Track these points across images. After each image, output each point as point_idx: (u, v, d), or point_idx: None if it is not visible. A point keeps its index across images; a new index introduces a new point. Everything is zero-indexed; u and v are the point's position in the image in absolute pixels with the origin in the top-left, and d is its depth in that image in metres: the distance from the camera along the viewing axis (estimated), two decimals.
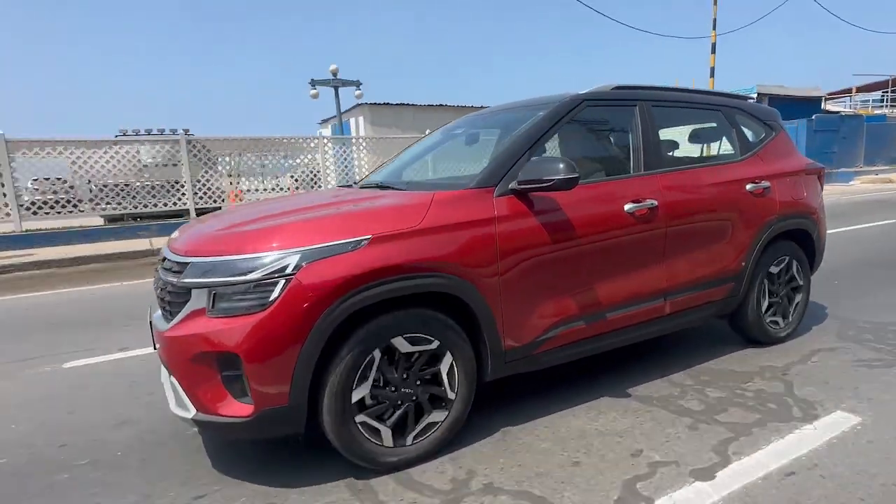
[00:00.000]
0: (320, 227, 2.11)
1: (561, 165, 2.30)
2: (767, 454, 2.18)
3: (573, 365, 3.00)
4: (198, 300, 2.03)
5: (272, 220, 2.27)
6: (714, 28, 17.98)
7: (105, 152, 9.84)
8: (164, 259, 2.31)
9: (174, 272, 2.14)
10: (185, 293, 2.07)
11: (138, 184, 10.37)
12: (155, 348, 2.37)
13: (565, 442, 2.36)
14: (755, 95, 18.15)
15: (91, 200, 9.96)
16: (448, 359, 2.26)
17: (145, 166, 10.43)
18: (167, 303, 2.17)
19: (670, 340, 3.59)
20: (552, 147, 3.18)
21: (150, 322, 2.37)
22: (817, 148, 17.83)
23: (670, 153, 3.36)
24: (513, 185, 2.41)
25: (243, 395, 2.00)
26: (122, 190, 10.14)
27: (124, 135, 11.63)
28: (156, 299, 2.49)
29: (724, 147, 3.44)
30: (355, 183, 3.48)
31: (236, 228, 2.23)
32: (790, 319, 3.53)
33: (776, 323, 3.47)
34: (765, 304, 3.38)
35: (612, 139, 3.05)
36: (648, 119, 2.96)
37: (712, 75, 18.27)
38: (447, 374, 2.27)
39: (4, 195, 9.05)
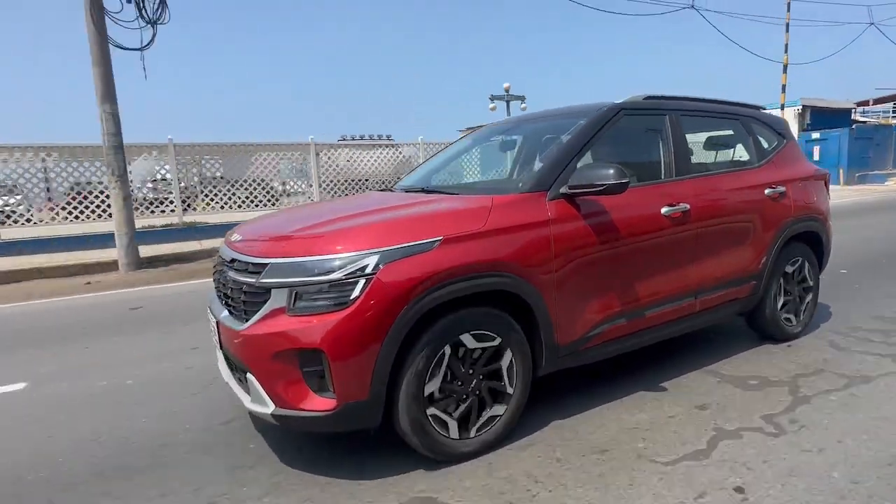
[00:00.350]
0: (395, 228, 2.21)
1: (611, 171, 2.44)
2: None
3: (605, 361, 3.14)
4: (277, 299, 2.10)
5: (343, 222, 2.36)
6: (786, 51, 20.49)
7: None
8: (233, 260, 2.38)
9: (250, 273, 2.22)
10: (263, 293, 2.14)
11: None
12: (221, 347, 2.44)
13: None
14: (800, 107, 20.37)
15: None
16: (508, 355, 2.38)
17: None
18: (242, 302, 2.24)
19: (686, 337, 3.76)
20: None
21: (217, 321, 2.42)
22: (857, 153, 19.77)
23: (697, 160, 3.54)
24: (563, 189, 2.55)
25: (324, 389, 2.08)
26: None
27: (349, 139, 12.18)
28: (217, 298, 2.56)
29: (742, 154, 3.63)
30: (389, 188, 3.57)
31: (311, 230, 2.32)
32: (802, 317, 3.74)
33: (790, 320, 3.67)
34: (780, 302, 3.58)
35: (646, 146, 3.22)
36: (678, 127, 3.13)
37: (784, 91, 20.39)
38: (507, 370, 2.39)
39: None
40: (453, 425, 2.28)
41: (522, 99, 21.09)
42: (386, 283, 2.06)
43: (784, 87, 20.10)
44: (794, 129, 18.68)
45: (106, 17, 7.29)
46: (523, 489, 2.09)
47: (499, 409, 2.40)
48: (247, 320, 2.19)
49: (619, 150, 3.09)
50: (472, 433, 2.33)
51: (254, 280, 2.18)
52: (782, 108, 19.81)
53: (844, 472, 2.10)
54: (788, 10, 20.37)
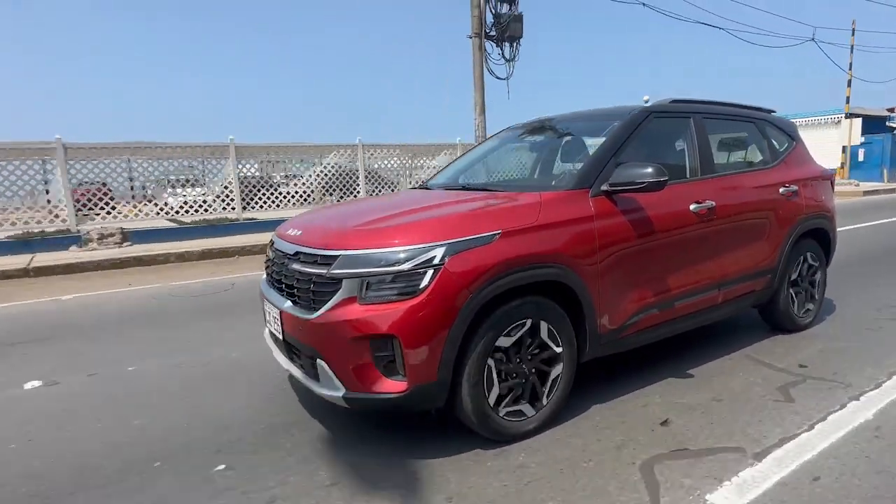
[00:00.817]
0: (458, 222, 2.36)
1: (650, 169, 2.62)
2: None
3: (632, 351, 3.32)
4: (349, 289, 2.24)
5: (405, 216, 2.51)
6: (850, 68, 21.72)
7: None
8: (297, 253, 2.51)
9: (319, 264, 2.34)
10: (334, 283, 2.27)
11: None
12: (282, 335, 2.55)
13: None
14: (842, 115, 21.59)
15: None
16: (544, 325, 2.50)
17: None
18: (310, 293, 2.36)
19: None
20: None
21: (280, 311, 2.54)
22: None
23: (719, 160, 3.74)
24: (605, 186, 2.72)
25: (394, 373, 2.22)
26: None
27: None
28: (275, 289, 2.67)
29: (758, 155, 3.84)
30: (424, 185, 3.71)
31: (376, 224, 2.46)
32: (812, 308, 3.97)
33: (801, 311, 3.89)
34: (793, 295, 3.80)
35: (672, 146, 3.41)
36: (702, 129, 3.33)
37: (847, 102, 21.74)
38: (548, 336, 2.52)
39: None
40: (495, 392, 2.39)
41: None
42: (452, 272, 2.21)
43: (848, 98, 21.67)
44: (854, 135, 19.61)
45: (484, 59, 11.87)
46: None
47: (528, 410, 2.51)
48: (316, 309, 2.31)
49: (649, 151, 3.27)
50: (501, 413, 2.43)
51: (324, 271, 2.31)
52: (847, 116, 21.02)
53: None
54: (853, 34, 21.69)
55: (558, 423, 2.59)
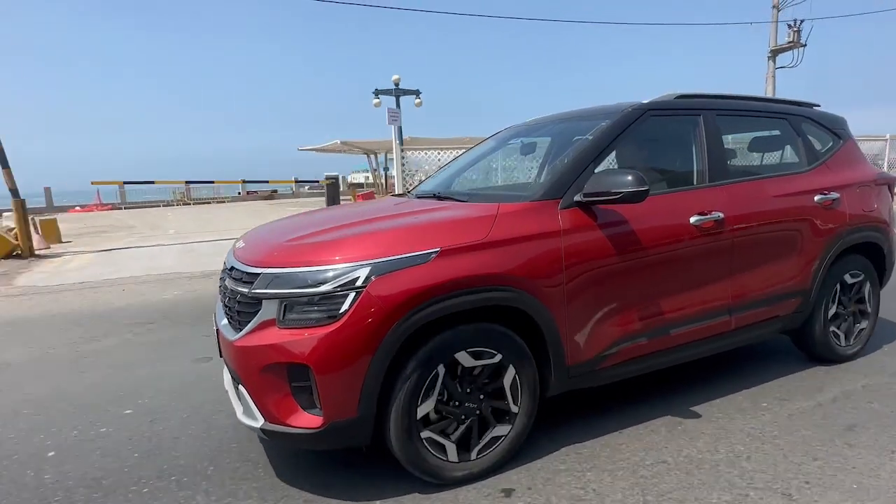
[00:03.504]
0: (389, 239, 2.11)
1: (629, 177, 2.25)
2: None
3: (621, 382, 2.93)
4: (268, 311, 2.04)
5: (339, 231, 2.28)
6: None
7: None
8: (232, 268, 2.35)
9: (244, 282, 2.17)
10: (255, 304, 2.09)
11: None
12: (221, 356, 2.41)
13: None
14: None
15: None
16: (511, 372, 2.23)
17: None
18: (236, 312, 2.20)
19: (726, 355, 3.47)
20: (609, 158, 3.12)
21: (217, 329, 2.40)
22: None
23: (735, 163, 3.26)
24: (578, 197, 2.37)
25: (312, 406, 2.01)
26: None
27: None
28: (222, 307, 2.53)
29: (790, 157, 3.31)
30: (408, 192, 3.48)
31: (305, 240, 2.25)
32: (859, 336, 3.38)
33: (842, 340, 3.32)
34: (832, 321, 3.24)
35: (675, 150, 2.98)
36: (713, 128, 2.88)
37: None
38: (510, 388, 2.24)
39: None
40: (451, 448, 2.15)
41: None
42: (376, 296, 1.96)
43: None
44: None
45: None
46: None
47: (502, 430, 2.25)
48: (239, 330, 2.14)
49: (646, 155, 2.88)
50: (474, 455, 2.20)
51: (247, 290, 2.13)
52: None
53: None
54: None
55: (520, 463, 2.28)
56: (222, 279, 2.50)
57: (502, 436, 2.25)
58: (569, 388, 2.42)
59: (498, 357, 2.19)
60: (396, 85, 17.71)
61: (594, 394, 2.91)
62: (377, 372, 1.97)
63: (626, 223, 2.46)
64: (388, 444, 2.09)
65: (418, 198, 3.07)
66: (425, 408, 2.08)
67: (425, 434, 2.10)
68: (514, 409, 2.26)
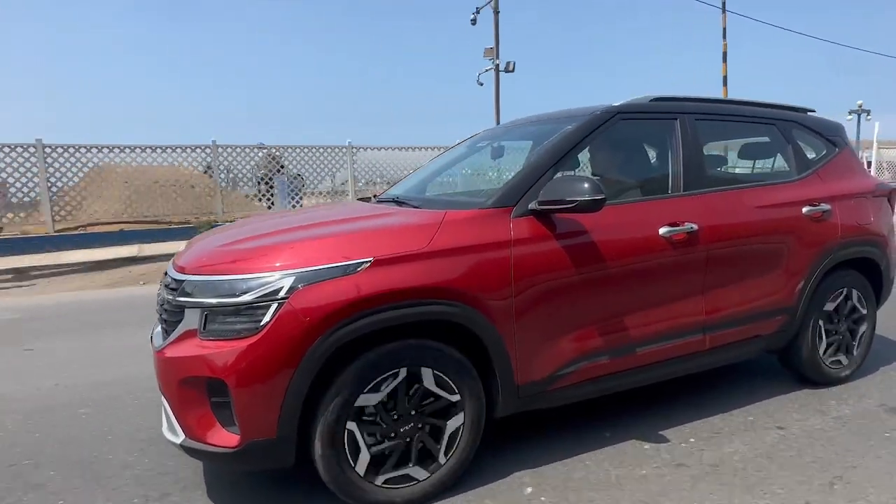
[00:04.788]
0: (319, 247, 1.98)
1: (585, 185, 2.09)
2: None
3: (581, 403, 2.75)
4: (191, 320, 1.93)
5: (274, 237, 2.15)
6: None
7: None
8: (165, 274, 2.25)
9: (171, 289, 2.06)
10: (179, 312, 1.98)
11: None
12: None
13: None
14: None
15: None
16: (458, 419, 2.08)
17: None
18: (164, 320, 2.09)
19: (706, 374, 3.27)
20: (583, 164, 2.97)
21: (151, 338, 2.30)
22: None
23: (716, 172, 3.06)
24: (532, 205, 2.22)
25: (231, 423, 1.88)
26: None
27: None
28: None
29: (779, 165, 3.11)
30: (374, 196, 3.35)
31: (236, 245, 2.13)
32: (853, 357, 3.16)
33: (836, 361, 3.10)
34: (822, 341, 3.03)
35: (649, 156, 2.80)
36: (691, 134, 2.69)
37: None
38: (449, 435, 2.08)
39: None
40: (364, 458, 1.95)
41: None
42: (299, 309, 1.83)
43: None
44: None
45: None
46: None
47: (419, 473, 2.06)
48: (164, 339, 2.03)
49: (617, 161, 2.71)
50: (378, 481, 2.00)
51: (171, 297, 2.02)
52: None
53: None
54: None
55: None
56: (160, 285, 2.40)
57: (416, 480, 2.05)
58: (519, 408, 2.27)
59: (456, 397, 2.06)
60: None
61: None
62: (298, 390, 1.84)
63: (588, 234, 2.30)
64: (315, 463, 1.95)
65: (379, 202, 2.95)
66: (353, 426, 1.93)
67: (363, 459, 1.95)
68: (442, 459, 2.08)
